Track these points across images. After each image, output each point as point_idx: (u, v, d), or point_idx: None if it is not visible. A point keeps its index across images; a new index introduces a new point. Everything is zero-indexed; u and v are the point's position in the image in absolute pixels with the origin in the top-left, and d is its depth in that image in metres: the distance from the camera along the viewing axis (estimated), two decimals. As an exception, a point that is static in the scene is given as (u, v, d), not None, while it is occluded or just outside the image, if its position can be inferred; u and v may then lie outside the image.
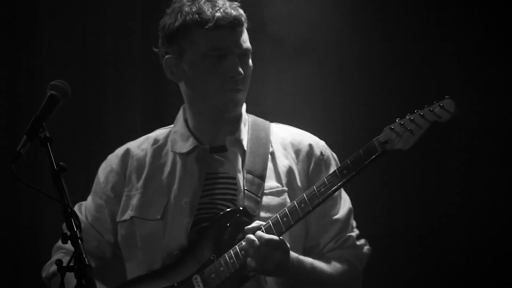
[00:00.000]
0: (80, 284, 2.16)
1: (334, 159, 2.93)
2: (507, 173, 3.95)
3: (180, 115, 2.94)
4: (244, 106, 2.92)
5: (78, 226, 2.22)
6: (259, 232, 2.66)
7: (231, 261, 2.70)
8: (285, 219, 2.69)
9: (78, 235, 2.20)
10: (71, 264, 2.18)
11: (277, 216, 2.70)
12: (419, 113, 2.59)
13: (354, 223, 2.91)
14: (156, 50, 2.90)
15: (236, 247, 2.70)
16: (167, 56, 2.85)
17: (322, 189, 2.67)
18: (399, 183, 4.05)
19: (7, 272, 4.04)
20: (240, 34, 2.79)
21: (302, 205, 2.68)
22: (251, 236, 2.66)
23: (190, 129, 2.89)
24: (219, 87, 2.78)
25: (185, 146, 2.86)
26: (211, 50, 2.76)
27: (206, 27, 2.75)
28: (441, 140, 3.96)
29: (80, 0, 4.09)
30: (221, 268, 2.71)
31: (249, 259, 2.67)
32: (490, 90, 3.95)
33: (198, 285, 2.74)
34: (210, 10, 2.77)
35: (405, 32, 4.04)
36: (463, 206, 4.00)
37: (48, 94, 2.37)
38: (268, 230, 2.68)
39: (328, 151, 2.92)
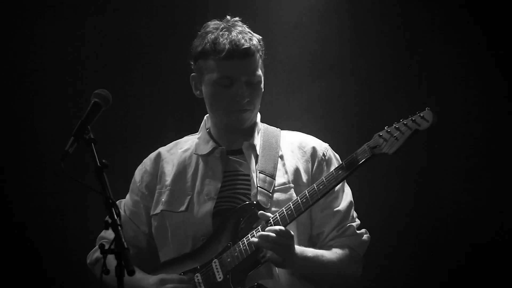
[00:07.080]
0: (120, 264, 2.42)
1: (336, 159, 3.28)
2: (507, 173, 4.14)
3: (203, 124, 3.36)
4: (258, 116, 3.30)
5: (118, 214, 2.49)
6: (270, 227, 3.00)
7: (244, 247, 3.07)
8: (289, 212, 3.03)
9: (118, 222, 2.47)
10: (112, 247, 2.44)
11: (283, 210, 3.04)
12: (403, 122, 2.87)
13: (355, 214, 3.25)
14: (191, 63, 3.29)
15: (248, 236, 3.07)
16: (192, 74, 3.27)
17: (321, 187, 3.01)
18: (398, 182, 4.26)
19: (55, 261, 4.43)
20: (248, 63, 3.16)
21: (304, 200, 3.02)
22: (263, 232, 3.00)
23: (211, 135, 3.30)
24: (227, 108, 3.18)
25: (205, 148, 3.27)
26: (221, 78, 3.16)
27: (219, 57, 3.14)
28: (441, 140, 4.19)
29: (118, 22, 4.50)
30: (236, 254, 3.08)
31: (269, 254, 3.01)
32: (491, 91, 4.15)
33: (217, 268, 3.12)
34: (225, 41, 3.14)
35: (407, 37, 4.28)
36: (463, 206, 4.18)
37: (93, 101, 2.70)
38: (275, 223, 3.03)
39: (329, 152, 3.28)
